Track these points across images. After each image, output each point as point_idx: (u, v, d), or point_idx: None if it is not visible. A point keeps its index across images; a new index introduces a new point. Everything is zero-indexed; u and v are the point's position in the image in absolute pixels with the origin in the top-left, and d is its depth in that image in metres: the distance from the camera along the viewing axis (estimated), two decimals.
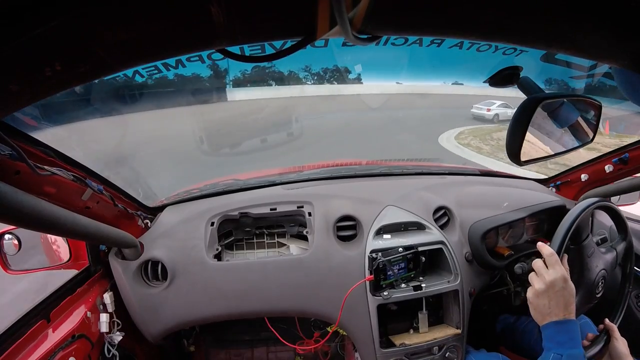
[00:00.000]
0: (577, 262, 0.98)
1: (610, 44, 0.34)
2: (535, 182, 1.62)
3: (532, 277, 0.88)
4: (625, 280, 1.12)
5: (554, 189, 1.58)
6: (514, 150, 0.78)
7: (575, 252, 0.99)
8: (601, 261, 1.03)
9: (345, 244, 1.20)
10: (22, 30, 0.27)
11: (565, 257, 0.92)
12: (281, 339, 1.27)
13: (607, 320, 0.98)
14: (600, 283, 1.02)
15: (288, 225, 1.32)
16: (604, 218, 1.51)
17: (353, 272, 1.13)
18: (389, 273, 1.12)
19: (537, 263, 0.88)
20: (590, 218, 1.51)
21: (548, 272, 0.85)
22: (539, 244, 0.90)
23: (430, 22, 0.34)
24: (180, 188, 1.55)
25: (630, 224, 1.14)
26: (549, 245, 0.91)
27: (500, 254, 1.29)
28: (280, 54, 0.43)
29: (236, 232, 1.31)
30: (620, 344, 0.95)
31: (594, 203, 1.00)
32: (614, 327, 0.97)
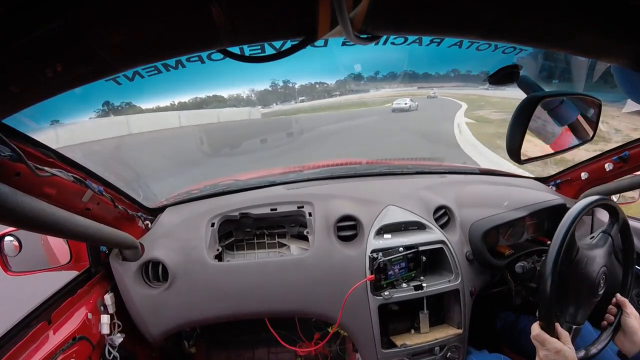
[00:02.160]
0: (575, 278, 0.97)
1: (610, 43, 0.34)
2: (536, 180, 1.62)
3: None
4: (627, 277, 1.12)
5: (554, 188, 1.58)
6: (514, 149, 0.78)
7: (569, 270, 0.97)
8: (598, 259, 1.01)
9: (345, 244, 1.20)
10: (23, 31, 0.27)
11: (558, 325, 0.91)
12: (281, 341, 1.27)
13: (618, 294, 0.94)
14: (601, 281, 1.01)
15: (288, 225, 1.32)
16: (604, 216, 1.51)
17: (354, 272, 1.13)
18: (389, 273, 1.12)
19: (533, 331, 0.89)
20: (591, 220, 1.50)
21: (541, 349, 0.87)
22: (533, 325, 0.90)
23: (430, 21, 0.34)
24: (181, 189, 1.55)
25: (631, 222, 1.13)
26: (550, 244, 0.91)
27: (501, 253, 1.28)
28: (280, 54, 0.43)
29: (237, 232, 1.31)
30: (632, 318, 0.92)
31: (594, 201, 0.99)
32: (626, 302, 0.94)
